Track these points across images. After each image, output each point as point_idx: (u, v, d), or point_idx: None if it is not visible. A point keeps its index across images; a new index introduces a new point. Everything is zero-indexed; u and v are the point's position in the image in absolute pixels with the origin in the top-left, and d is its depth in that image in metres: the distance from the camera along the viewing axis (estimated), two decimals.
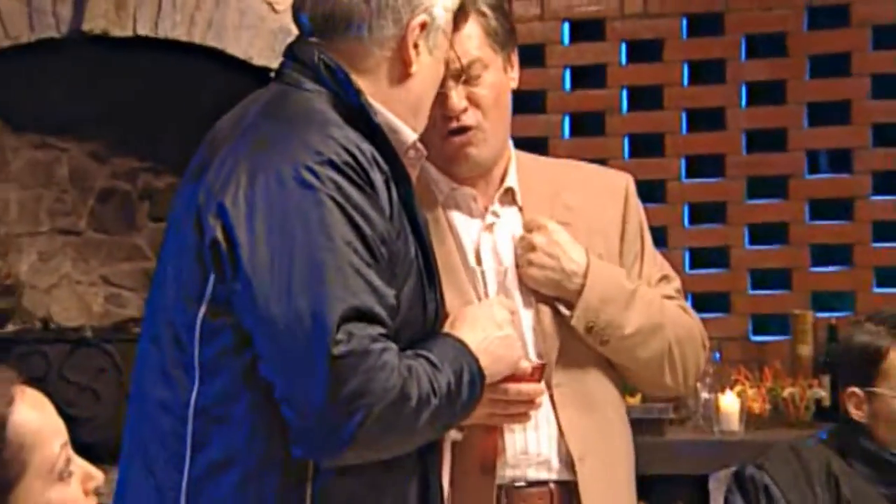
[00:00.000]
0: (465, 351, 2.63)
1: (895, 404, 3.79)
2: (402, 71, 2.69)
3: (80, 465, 2.17)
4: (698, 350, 3.23)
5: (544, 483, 3.07)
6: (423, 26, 2.67)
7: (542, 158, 3.31)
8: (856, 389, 3.81)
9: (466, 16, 2.97)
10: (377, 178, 2.54)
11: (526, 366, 2.88)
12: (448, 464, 2.91)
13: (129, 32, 6.27)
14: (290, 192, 2.47)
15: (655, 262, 3.32)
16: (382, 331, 2.44)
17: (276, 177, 2.49)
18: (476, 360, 2.64)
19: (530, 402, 2.90)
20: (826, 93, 6.67)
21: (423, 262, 2.66)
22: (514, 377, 2.85)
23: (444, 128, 3.01)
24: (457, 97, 2.98)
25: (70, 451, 2.16)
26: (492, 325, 2.74)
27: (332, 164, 2.47)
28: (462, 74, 2.99)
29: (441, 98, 2.95)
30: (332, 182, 2.46)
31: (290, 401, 2.43)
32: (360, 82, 2.65)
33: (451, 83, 2.97)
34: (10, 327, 6.37)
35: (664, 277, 3.28)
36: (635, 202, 3.30)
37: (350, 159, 2.49)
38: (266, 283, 2.44)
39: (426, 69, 2.71)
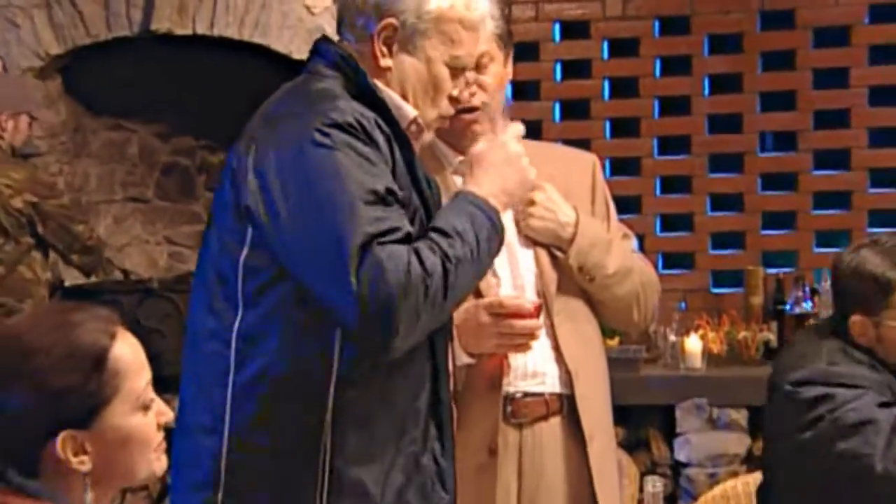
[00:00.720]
0: (483, 207, 2.63)
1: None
2: (375, 66, 2.69)
3: (158, 402, 2.20)
4: (655, 294, 3.33)
5: (541, 395, 3.11)
6: (391, 30, 2.68)
7: (527, 141, 3.18)
8: (862, 317, 3.50)
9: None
10: (379, 138, 2.56)
11: (528, 306, 2.96)
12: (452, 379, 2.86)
13: (189, 31, 6.27)
14: (308, 152, 2.50)
15: (618, 224, 3.38)
16: (399, 235, 2.46)
17: (296, 142, 2.52)
18: (493, 212, 2.64)
19: (531, 335, 2.97)
20: (775, 84, 6.68)
21: (423, 215, 2.66)
22: (517, 314, 2.94)
23: (454, 107, 2.96)
24: (469, 78, 2.98)
25: (151, 389, 2.19)
26: (506, 166, 2.75)
27: (338, 127, 2.50)
28: (476, 65, 3.02)
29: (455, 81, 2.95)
30: (341, 140, 2.49)
31: (335, 316, 2.48)
32: (368, 71, 2.67)
33: (466, 73, 2.96)
34: (93, 279, 6.42)
35: (625, 236, 3.35)
36: (600, 176, 3.36)
37: (354, 122, 2.52)
38: (299, 227, 2.48)
39: (406, 65, 2.71)
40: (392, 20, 2.67)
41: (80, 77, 6.58)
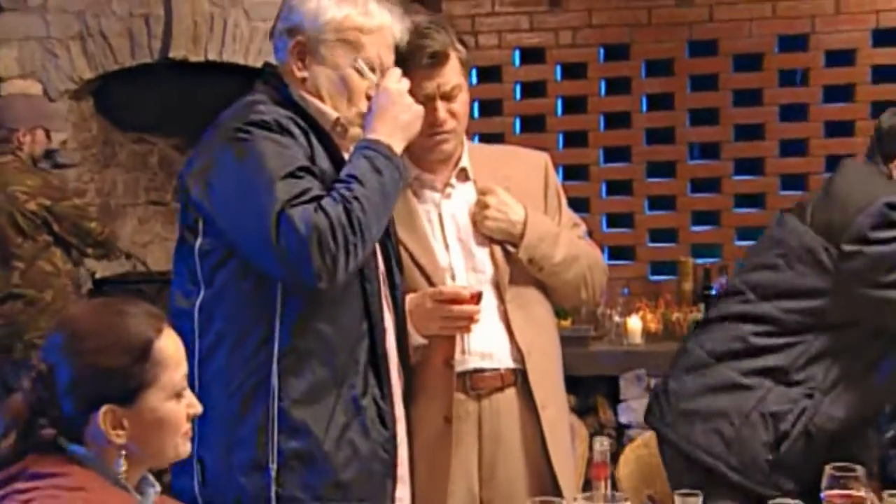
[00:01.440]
0: (377, 148, 2.65)
1: None
2: (295, 78, 2.72)
3: (189, 395, 2.20)
4: (602, 274, 3.29)
5: (496, 369, 3.08)
6: (300, 45, 2.71)
7: (486, 146, 3.34)
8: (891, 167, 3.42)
9: (448, 55, 3.01)
10: (295, 130, 2.61)
11: (465, 293, 2.94)
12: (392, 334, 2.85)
13: (201, 58, 6.23)
14: (233, 146, 2.56)
15: (569, 214, 3.34)
16: (308, 196, 2.52)
17: (224, 140, 2.59)
18: (387, 148, 2.66)
19: (469, 319, 2.94)
20: (701, 102, 6.72)
21: None
22: (455, 301, 2.94)
23: (429, 131, 2.99)
24: (443, 112, 3.01)
25: (185, 382, 2.20)
26: (391, 106, 2.72)
27: (255, 124, 2.56)
28: (447, 95, 3.02)
29: (429, 110, 2.95)
30: (257, 133, 2.55)
31: (268, 272, 2.55)
32: (291, 84, 2.72)
33: (439, 103, 3.00)
34: (118, 270, 6.42)
35: (575, 224, 3.31)
36: (552, 172, 3.32)
37: (269, 119, 2.57)
38: (232, 204, 2.55)
39: (319, 74, 2.72)
40: (300, 38, 2.72)
41: (109, 98, 6.57)
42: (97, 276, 6.50)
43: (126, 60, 6.32)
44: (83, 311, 2.22)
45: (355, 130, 2.77)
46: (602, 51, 6.79)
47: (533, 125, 6.77)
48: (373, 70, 2.77)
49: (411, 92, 2.87)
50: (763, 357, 3.34)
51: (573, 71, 6.83)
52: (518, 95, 6.88)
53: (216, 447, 2.54)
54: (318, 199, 2.53)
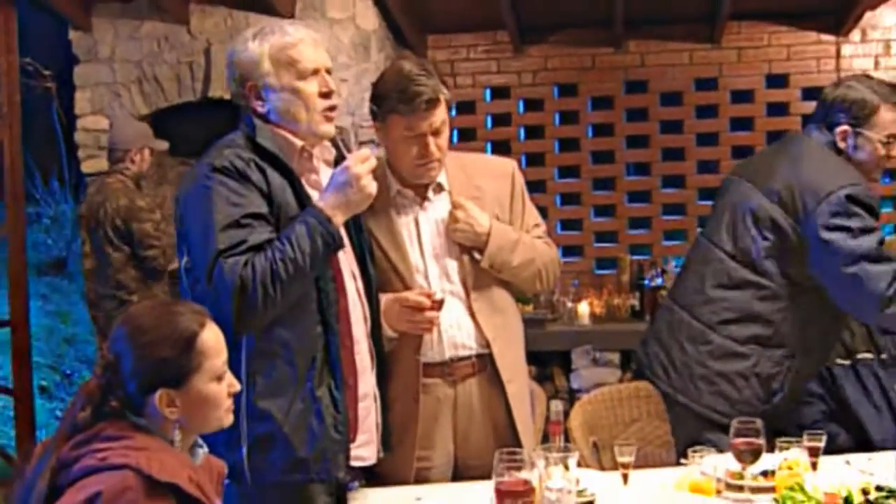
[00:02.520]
0: (320, 218, 2.56)
1: (873, 143, 3.26)
2: (260, 114, 2.65)
3: (230, 376, 2.19)
4: (556, 268, 3.20)
5: (468, 358, 3.03)
6: (253, 88, 2.64)
7: (461, 154, 3.21)
8: (847, 127, 3.28)
9: (439, 100, 2.90)
10: (252, 173, 2.52)
11: (427, 301, 2.86)
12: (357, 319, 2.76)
13: None
14: (196, 190, 2.53)
15: (532, 215, 3.21)
16: (242, 248, 2.46)
17: (192, 183, 2.55)
18: (328, 220, 2.56)
19: (430, 322, 2.88)
20: (635, 131, 6.76)
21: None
22: (419, 308, 2.86)
23: (419, 162, 2.94)
24: (433, 146, 2.92)
25: (226, 367, 2.18)
26: (346, 186, 2.60)
27: (216, 170, 2.50)
28: (437, 132, 2.92)
29: (422, 145, 2.91)
30: (216, 180, 2.49)
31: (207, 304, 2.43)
32: (259, 123, 2.63)
33: (430, 138, 2.91)
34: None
35: (536, 225, 3.20)
36: (519, 178, 3.20)
37: (228, 164, 2.51)
38: (192, 242, 2.52)
39: (276, 98, 2.63)
40: (249, 84, 2.64)
41: (161, 129, 6.50)
42: None
43: (174, 99, 6.27)
44: (141, 310, 2.19)
45: (317, 129, 2.69)
46: (556, 89, 6.83)
47: (501, 149, 6.74)
48: (314, 72, 2.68)
49: (407, 129, 2.88)
50: (753, 325, 3.29)
51: (533, 105, 6.86)
52: (489, 125, 6.91)
53: None
54: (253, 249, 2.49)
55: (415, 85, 2.90)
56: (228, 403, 2.19)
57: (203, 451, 2.22)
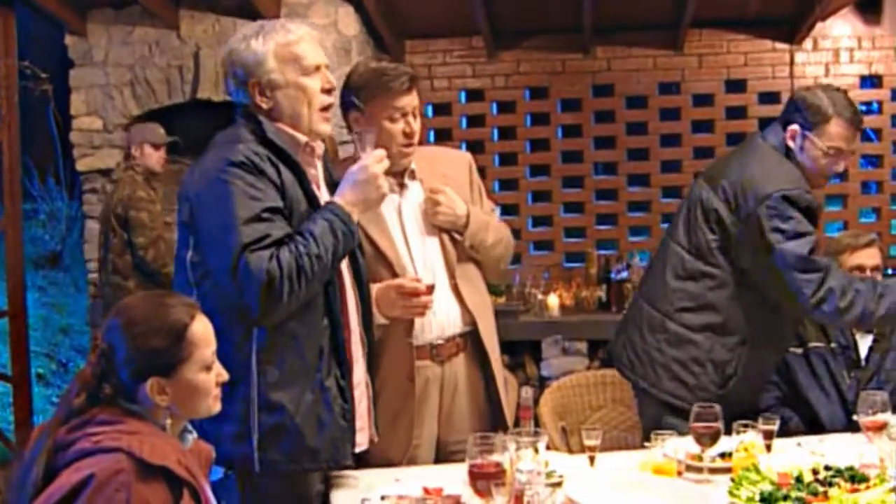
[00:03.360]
0: (339, 214, 2.54)
1: (817, 150, 3.20)
2: (263, 110, 2.59)
3: (218, 366, 2.18)
4: (511, 248, 3.25)
5: (453, 337, 3.04)
6: (257, 85, 2.58)
7: (422, 148, 3.17)
8: (797, 127, 3.23)
9: (413, 85, 2.95)
10: (267, 168, 2.47)
11: (421, 287, 2.85)
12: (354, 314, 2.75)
13: (222, 98, 6.03)
14: (213, 185, 2.45)
15: (487, 201, 3.25)
16: (267, 242, 2.41)
17: (206, 176, 2.47)
18: (347, 216, 2.55)
19: (425, 305, 2.87)
20: (602, 132, 6.76)
21: (313, 212, 2.58)
22: (413, 293, 2.85)
23: (403, 142, 2.96)
24: (414, 125, 2.95)
25: (215, 356, 2.17)
26: (365, 184, 2.61)
27: (232, 164, 2.43)
28: (415, 112, 2.96)
29: (406, 124, 2.93)
30: (234, 174, 2.43)
31: (229, 297, 2.44)
32: (263, 118, 2.57)
33: (410, 118, 2.94)
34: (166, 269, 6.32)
35: (492, 210, 3.27)
36: (474, 168, 3.24)
37: (245, 159, 2.44)
38: (209, 236, 2.46)
39: (281, 94, 2.58)
40: (252, 80, 2.58)
41: None
42: None
43: (165, 100, 6.26)
44: (134, 301, 2.18)
45: (316, 127, 2.64)
46: (528, 92, 6.82)
47: (475, 148, 6.71)
48: (317, 69, 2.64)
49: (393, 108, 2.90)
50: (706, 313, 3.30)
51: (506, 107, 6.85)
52: (464, 125, 6.90)
53: (209, 420, 2.39)
54: (276, 244, 2.44)
55: (392, 69, 2.95)
56: (216, 392, 2.19)
57: (192, 436, 2.22)
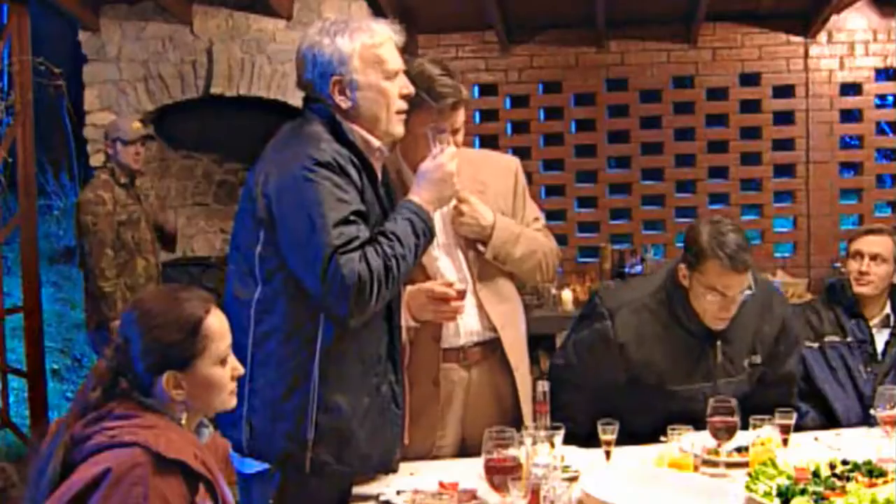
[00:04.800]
0: (419, 213, 2.55)
1: (700, 287, 3.01)
2: (342, 109, 2.57)
3: (233, 360, 2.17)
4: (556, 259, 3.19)
5: (480, 344, 3.01)
6: (339, 83, 2.55)
7: (466, 150, 3.09)
8: (683, 267, 3.04)
9: (460, 104, 2.86)
10: (351, 170, 2.47)
11: (452, 292, 2.82)
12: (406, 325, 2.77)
13: (235, 93, 6.18)
14: (299, 184, 2.41)
15: (532, 209, 3.19)
16: (356, 244, 2.39)
17: (290, 174, 2.43)
18: (426, 215, 2.56)
19: (456, 310, 2.84)
20: (616, 126, 6.75)
21: (382, 214, 2.59)
22: (444, 298, 2.82)
23: None
24: (458, 139, 2.86)
25: (230, 350, 2.17)
26: (441, 182, 2.62)
27: (320, 164, 2.42)
28: (456, 131, 2.85)
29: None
30: (322, 175, 2.41)
31: (314, 297, 2.43)
32: (340, 117, 2.56)
33: (448, 136, 2.79)
34: (172, 256, 6.30)
35: (536, 219, 3.18)
36: (521, 175, 3.19)
37: (332, 160, 2.43)
38: (293, 236, 2.43)
39: (361, 96, 2.57)
40: (334, 78, 2.56)
41: (165, 125, 6.54)
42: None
43: (178, 96, 6.28)
44: (150, 295, 2.19)
45: (390, 129, 2.62)
46: (541, 86, 6.82)
47: (489, 143, 6.74)
48: (396, 73, 2.62)
49: (431, 124, 2.78)
50: None
51: (519, 101, 6.86)
52: (477, 120, 6.90)
53: (263, 416, 2.47)
54: (363, 246, 2.42)
55: (439, 85, 2.83)
56: (232, 386, 2.18)
57: (209, 430, 2.23)
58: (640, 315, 3.15)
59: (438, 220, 2.97)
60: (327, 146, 2.48)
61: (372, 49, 2.60)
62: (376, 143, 2.61)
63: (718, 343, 3.14)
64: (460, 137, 2.94)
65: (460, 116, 2.90)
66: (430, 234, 2.58)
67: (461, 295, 2.85)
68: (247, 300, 2.55)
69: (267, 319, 2.53)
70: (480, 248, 3.01)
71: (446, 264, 3.01)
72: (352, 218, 2.43)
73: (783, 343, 3.24)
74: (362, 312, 2.44)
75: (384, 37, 2.63)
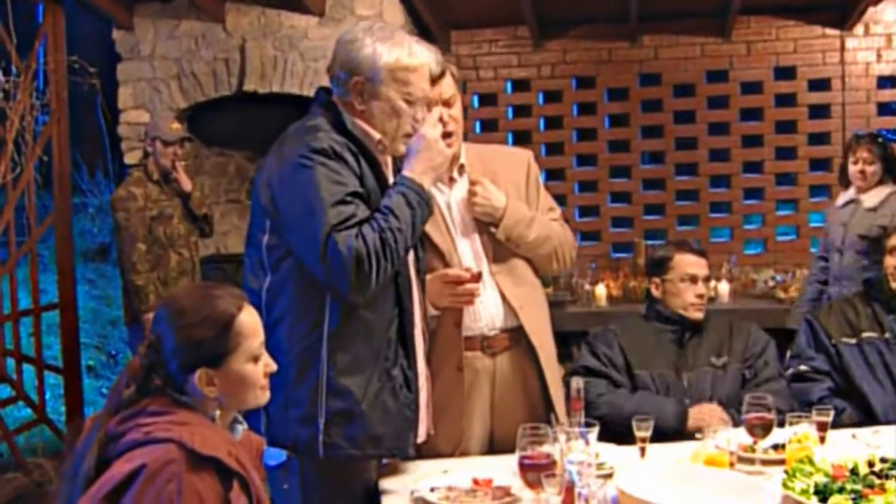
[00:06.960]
0: (411, 185, 2.56)
1: (676, 284, 3.49)
2: (354, 109, 2.59)
3: (266, 356, 2.17)
4: (571, 249, 3.18)
5: (506, 331, 3.00)
6: (360, 85, 2.56)
7: (478, 145, 3.21)
8: (656, 280, 3.55)
9: (444, 73, 2.85)
10: (347, 156, 2.49)
11: (466, 275, 2.85)
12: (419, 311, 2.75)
13: (268, 90, 6.23)
14: (296, 171, 2.45)
15: (546, 200, 3.19)
16: (353, 222, 2.43)
17: (288, 163, 2.47)
18: (420, 186, 2.57)
19: (472, 294, 2.86)
20: (650, 121, 6.76)
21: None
22: (458, 282, 2.85)
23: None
24: (445, 115, 2.87)
25: (263, 347, 2.17)
26: (426, 150, 2.61)
27: (316, 151, 2.45)
28: (447, 102, 2.90)
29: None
30: (317, 160, 2.44)
31: (316, 276, 2.46)
32: (345, 111, 2.58)
33: (440, 107, 2.85)
34: (206, 252, 6.34)
35: (551, 209, 3.18)
36: (534, 166, 3.19)
37: (327, 146, 2.46)
38: (293, 220, 2.46)
39: (375, 108, 2.58)
40: (358, 78, 2.57)
41: (199, 122, 6.58)
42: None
43: (211, 93, 6.34)
44: (182, 293, 2.19)
45: (393, 146, 2.64)
46: (574, 81, 6.83)
47: (522, 139, 6.78)
48: (415, 103, 2.63)
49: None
50: None
51: (552, 97, 6.87)
52: (510, 116, 6.92)
53: (276, 402, 2.43)
54: (360, 224, 2.46)
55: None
56: (264, 383, 2.18)
57: (242, 427, 2.22)
58: (630, 320, 3.70)
59: (455, 206, 3.06)
60: (324, 135, 2.52)
61: (404, 70, 2.60)
62: (377, 135, 2.63)
63: (687, 334, 3.53)
64: (456, 112, 2.96)
65: (446, 87, 2.90)
66: (426, 206, 2.60)
67: (475, 277, 2.87)
68: (258, 291, 2.58)
69: (276, 307, 2.56)
70: (492, 229, 3.03)
71: (464, 248, 3.03)
72: (348, 199, 2.47)
73: (754, 347, 3.53)
74: (365, 287, 2.47)
75: (420, 62, 2.64)
